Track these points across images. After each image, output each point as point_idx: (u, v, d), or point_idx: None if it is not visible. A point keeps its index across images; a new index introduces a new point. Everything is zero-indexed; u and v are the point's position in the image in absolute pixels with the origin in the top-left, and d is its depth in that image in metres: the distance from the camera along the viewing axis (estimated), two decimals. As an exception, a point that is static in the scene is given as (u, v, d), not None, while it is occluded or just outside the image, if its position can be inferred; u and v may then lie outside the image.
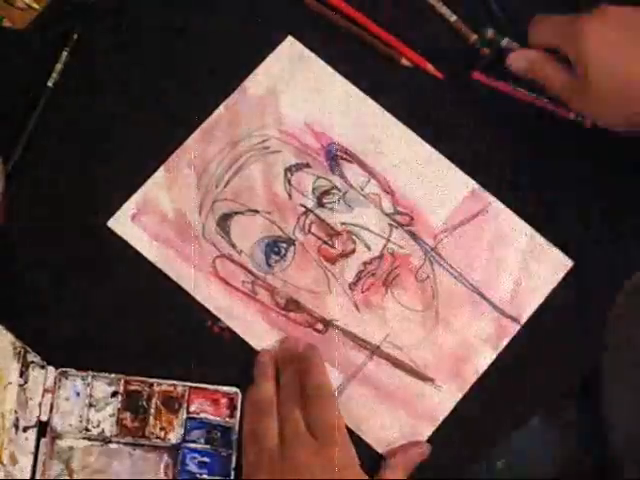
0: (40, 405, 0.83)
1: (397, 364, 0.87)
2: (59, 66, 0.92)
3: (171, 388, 0.85)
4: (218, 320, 0.87)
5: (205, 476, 0.83)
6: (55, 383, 0.84)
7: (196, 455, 0.84)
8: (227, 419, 0.84)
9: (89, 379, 0.84)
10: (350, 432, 0.84)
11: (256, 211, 0.89)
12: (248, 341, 0.87)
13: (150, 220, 0.89)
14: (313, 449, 0.80)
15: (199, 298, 0.87)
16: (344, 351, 0.87)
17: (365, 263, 0.89)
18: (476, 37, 0.94)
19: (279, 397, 0.84)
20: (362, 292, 0.88)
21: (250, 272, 0.88)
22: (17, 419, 0.82)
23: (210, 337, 0.87)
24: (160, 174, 0.90)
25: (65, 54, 0.92)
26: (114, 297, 0.87)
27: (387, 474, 0.84)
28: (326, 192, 0.90)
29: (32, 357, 0.84)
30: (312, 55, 0.93)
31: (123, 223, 0.88)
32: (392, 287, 0.88)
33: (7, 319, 0.85)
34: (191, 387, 0.85)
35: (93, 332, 0.86)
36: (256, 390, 0.85)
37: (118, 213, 0.88)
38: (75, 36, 0.93)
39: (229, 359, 0.86)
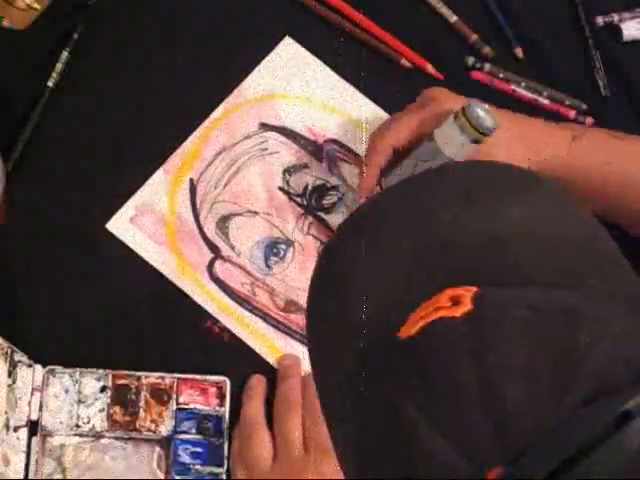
0: (29, 404, 0.83)
1: (396, 364, 0.87)
2: (59, 66, 0.92)
3: (159, 380, 0.84)
4: (217, 321, 0.87)
5: (198, 466, 0.83)
6: (43, 381, 0.84)
7: (188, 446, 0.83)
8: (217, 408, 0.84)
9: (77, 375, 0.84)
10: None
11: (255, 212, 0.89)
12: (248, 342, 0.86)
13: (149, 222, 0.88)
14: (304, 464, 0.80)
15: (198, 300, 0.87)
16: (343, 352, 0.87)
17: (364, 264, 0.88)
18: (476, 37, 0.94)
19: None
20: (361, 293, 0.88)
21: (249, 273, 0.88)
22: (7, 419, 0.81)
23: (210, 338, 0.86)
24: (159, 176, 0.89)
25: (65, 54, 0.92)
26: (113, 299, 0.87)
27: None
28: (325, 193, 0.90)
29: (19, 357, 0.83)
30: (310, 56, 0.93)
31: (122, 225, 0.88)
32: (391, 287, 0.88)
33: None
34: (179, 378, 0.84)
35: (91, 333, 0.86)
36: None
37: (117, 215, 0.88)
38: (75, 36, 0.93)
39: (229, 360, 0.86)
